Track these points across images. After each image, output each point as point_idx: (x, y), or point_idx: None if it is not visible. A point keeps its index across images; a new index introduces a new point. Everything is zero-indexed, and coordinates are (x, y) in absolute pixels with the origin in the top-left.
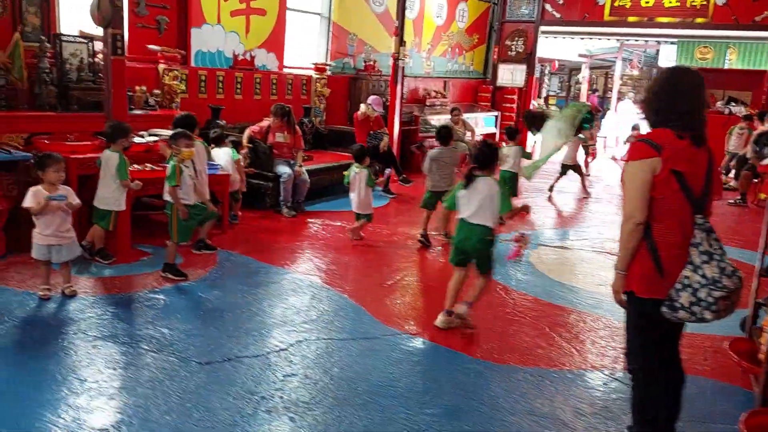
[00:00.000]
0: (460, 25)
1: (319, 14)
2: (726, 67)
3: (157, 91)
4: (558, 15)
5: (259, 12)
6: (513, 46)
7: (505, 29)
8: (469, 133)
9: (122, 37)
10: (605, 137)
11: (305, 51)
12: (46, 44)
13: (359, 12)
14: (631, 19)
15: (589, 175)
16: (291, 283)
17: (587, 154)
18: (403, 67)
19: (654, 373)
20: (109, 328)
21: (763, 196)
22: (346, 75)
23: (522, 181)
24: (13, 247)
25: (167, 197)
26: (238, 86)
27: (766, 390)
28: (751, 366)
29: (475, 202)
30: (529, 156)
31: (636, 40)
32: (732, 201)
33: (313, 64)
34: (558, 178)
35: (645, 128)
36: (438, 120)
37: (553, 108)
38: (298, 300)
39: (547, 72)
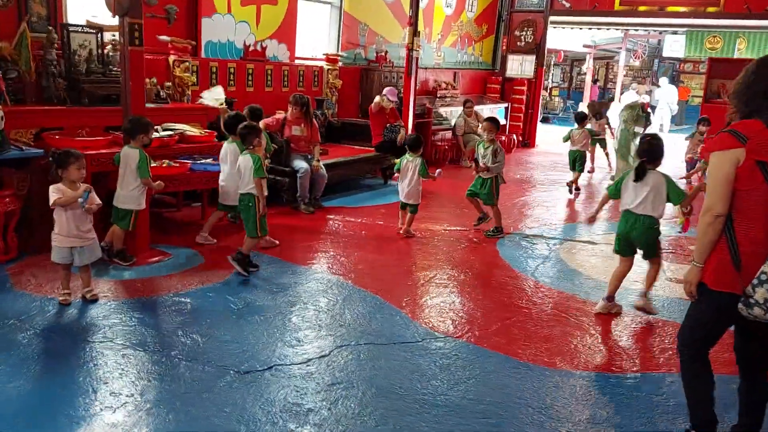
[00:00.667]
0: (469, 15)
1: (330, 3)
2: (735, 56)
3: (168, 84)
4: (567, 5)
5: (270, 1)
6: (522, 37)
7: (514, 19)
8: (480, 126)
9: (141, 26)
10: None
11: (316, 41)
12: (53, 35)
13: (370, 1)
14: (641, 8)
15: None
16: (320, 283)
17: (603, 146)
18: (417, 58)
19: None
20: (137, 335)
21: None
22: (357, 66)
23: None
24: (26, 249)
25: (249, 190)
26: (250, 78)
27: None
28: None
29: (642, 194)
30: (595, 134)
31: (645, 31)
32: None
33: (325, 54)
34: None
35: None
36: (448, 112)
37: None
38: (330, 302)
39: (552, 63)
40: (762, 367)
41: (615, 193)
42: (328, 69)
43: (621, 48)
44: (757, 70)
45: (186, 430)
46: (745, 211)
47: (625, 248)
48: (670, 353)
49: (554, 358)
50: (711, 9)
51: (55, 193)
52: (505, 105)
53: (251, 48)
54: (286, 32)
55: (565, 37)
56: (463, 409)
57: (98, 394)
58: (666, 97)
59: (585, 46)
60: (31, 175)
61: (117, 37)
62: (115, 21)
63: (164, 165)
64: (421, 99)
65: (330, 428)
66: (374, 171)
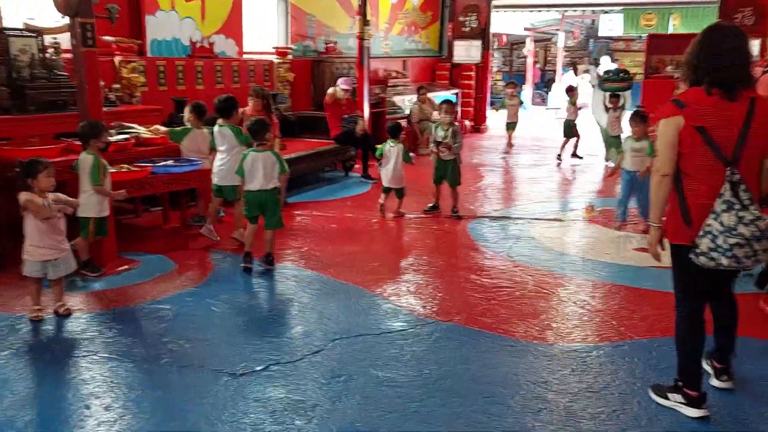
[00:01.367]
0: (413, 2)
1: None
2: (670, 32)
3: (116, 86)
4: None
5: None
6: (467, 22)
7: (458, 5)
8: (435, 112)
9: (93, 26)
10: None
11: (264, 35)
12: None
13: None
14: None
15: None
16: (299, 280)
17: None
18: (369, 48)
19: (689, 305)
20: (121, 345)
21: None
22: (308, 59)
23: None
24: None
25: (274, 185)
26: (199, 76)
27: None
28: None
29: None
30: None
31: (583, 11)
32: None
33: (274, 48)
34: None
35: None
36: (402, 101)
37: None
38: (313, 297)
39: (494, 47)
40: (726, 297)
41: None
42: (279, 63)
43: (559, 29)
44: (702, 39)
45: None
46: (690, 172)
47: None
48: (652, 319)
49: (544, 332)
50: None
51: (26, 195)
52: (456, 91)
53: (198, 44)
54: (233, 27)
55: (505, 21)
56: (466, 390)
57: (91, 410)
58: None
59: (525, 29)
60: None
61: (58, 40)
62: (53, 23)
63: (123, 170)
64: (374, 89)
65: (337, 421)
66: (334, 163)
